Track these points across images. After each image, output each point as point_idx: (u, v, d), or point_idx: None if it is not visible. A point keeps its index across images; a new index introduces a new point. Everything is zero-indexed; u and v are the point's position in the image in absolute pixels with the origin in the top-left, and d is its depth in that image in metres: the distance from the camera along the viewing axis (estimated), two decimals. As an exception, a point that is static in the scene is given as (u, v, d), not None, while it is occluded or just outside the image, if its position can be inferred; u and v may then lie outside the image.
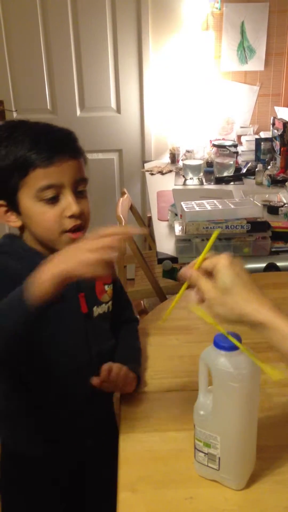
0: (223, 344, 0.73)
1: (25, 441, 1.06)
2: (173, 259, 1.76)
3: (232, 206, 1.79)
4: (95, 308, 1.05)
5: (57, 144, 0.92)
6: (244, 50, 2.98)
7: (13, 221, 0.96)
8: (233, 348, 0.73)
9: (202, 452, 0.79)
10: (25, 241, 0.99)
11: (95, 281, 1.05)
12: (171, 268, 1.75)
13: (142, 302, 2.70)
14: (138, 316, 1.30)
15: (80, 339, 1.03)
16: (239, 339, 0.75)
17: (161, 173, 2.82)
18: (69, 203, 0.92)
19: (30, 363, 0.96)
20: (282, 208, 2.02)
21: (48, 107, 3.10)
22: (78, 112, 3.13)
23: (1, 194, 0.94)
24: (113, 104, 3.12)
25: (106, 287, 1.08)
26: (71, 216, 0.92)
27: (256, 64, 3.02)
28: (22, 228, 0.98)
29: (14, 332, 0.77)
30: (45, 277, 0.74)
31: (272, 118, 2.82)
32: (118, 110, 3.13)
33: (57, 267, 0.75)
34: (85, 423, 1.05)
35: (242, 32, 2.94)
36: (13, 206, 0.94)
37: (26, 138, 0.90)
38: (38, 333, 0.82)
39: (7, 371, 1.00)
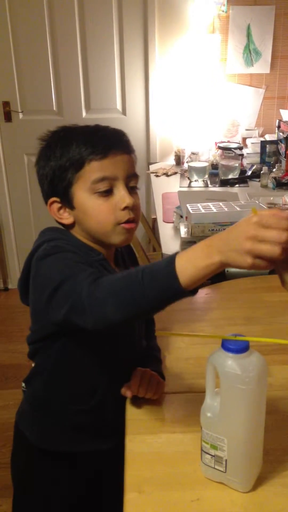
0: (231, 346, 0.74)
1: (52, 433, 1.06)
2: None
3: (238, 209, 1.79)
4: None
5: (111, 139, 0.96)
6: (250, 52, 2.99)
7: (66, 218, 0.99)
8: (241, 350, 0.74)
9: (209, 454, 0.80)
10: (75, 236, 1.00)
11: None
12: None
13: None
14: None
15: (131, 330, 1.06)
16: (247, 342, 0.75)
17: (166, 175, 2.83)
18: (122, 195, 0.94)
19: (93, 350, 0.99)
20: (286, 211, 2.02)
21: (54, 109, 3.11)
22: (84, 114, 3.14)
23: (55, 191, 0.97)
24: (119, 106, 3.13)
25: None
26: (125, 208, 0.95)
27: (262, 66, 3.02)
28: (71, 226, 1.00)
29: (151, 306, 0.76)
30: (204, 266, 0.70)
31: (277, 120, 2.83)
32: (124, 112, 3.14)
33: (219, 257, 0.69)
34: (112, 420, 1.05)
35: (248, 35, 2.94)
36: (67, 202, 0.97)
37: (81, 136, 0.95)
38: None
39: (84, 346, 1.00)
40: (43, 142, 1.00)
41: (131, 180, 0.97)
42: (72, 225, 1.00)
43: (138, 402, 1.01)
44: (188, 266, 0.71)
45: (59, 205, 0.98)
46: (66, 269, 0.85)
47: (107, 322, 0.78)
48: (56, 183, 0.96)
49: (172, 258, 0.73)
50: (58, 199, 0.98)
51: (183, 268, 0.71)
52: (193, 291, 0.73)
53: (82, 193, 0.95)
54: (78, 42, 2.98)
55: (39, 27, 2.93)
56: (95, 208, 0.95)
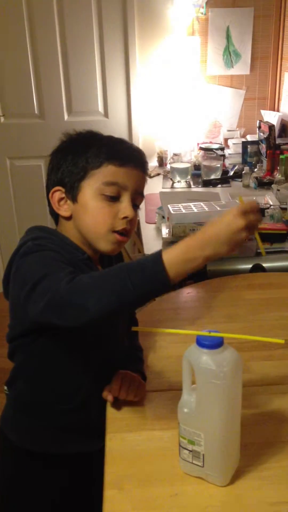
0: (205, 342, 0.75)
1: (39, 434, 1.06)
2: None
3: (218, 208, 1.81)
4: None
5: (134, 153, 1.02)
6: (230, 54, 3.02)
7: (64, 210, 1.01)
8: (215, 346, 0.75)
9: (186, 449, 0.81)
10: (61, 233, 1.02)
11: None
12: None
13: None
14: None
15: (115, 330, 1.07)
16: (221, 338, 0.76)
17: (149, 176, 2.83)
18: (126, 205, 0.98)
19: (74, 346, 0.99)
20: (268, 210, 2.05)
21: (36, 112, 3.11)
22: (66, 117, 3.14)
23: (63, 182, 1.00)
24: (101, 109, 3.14)
25: None
26: (124, 218, 0.97)
27: (242, 68, 3.05)
28: (65, 220, 1.02)
29: (135, 299, 0.77)
30: (195, 262, 0.76)
31: (258, 121, 2.85)
32: (106, 114, 3.15)
33: (211, 251, 0.76)
34: (97, 419, 1.05)
35: (228, 37, 2.97)
36: (71, 194, 0.99)
37: (105, 141, 1.01)
38: None
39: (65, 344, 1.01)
40: (66, 138, 1.05)
41: (137, 198, 1.01)
42: (67, 219, 1.01)
43: (119, 401, 1.01)
44: (174, 259, 0.75)
45: (62, 195, 1.00)
46: (46, 267, 0.86)
47: (87, 316, 0.78)
48: (67, 174, 0.99)
49: (159, 251, 0.77)
50: (62, 189, 1.00)
51: (170, 260, 0.75)
52: (172, 286, 0.76)
53: (90, 190, 0.97)
54: (58, 45, 2.98)
55: (19, 31, 2.92)
56: (97, 209, 0.97)
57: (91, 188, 0.97)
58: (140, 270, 0.76)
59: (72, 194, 0.99)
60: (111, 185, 0.96)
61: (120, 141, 1.03)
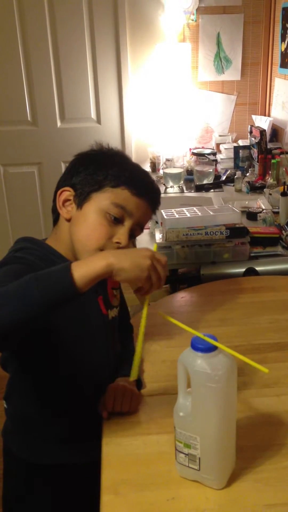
0: (200, 345, 0.75)
1: (39, 447, 1.06)
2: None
3: (211, 213, 1.82)
4: (109, 311, 1.09)
5: (152, 189, 1.06)
6: (221, 60, 3.04)
7: (66, 212, 1.02)
8: (210, 349, 0.75)
9: (182, 453, 0.81)
10: (48, 244, 1.03)
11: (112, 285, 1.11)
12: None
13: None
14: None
15: (102, 339, 1.07)
16: (215, 340, 0.77)
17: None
18: (124, 232, 0.99)
19: (56, 361, 0.99)
20: (260, 214, 2.06)
21: (29, 119, 3.12)
22: (59, 124, 3.15)
23: (78, 185, 1.00)
24: (93, 115, 3.15)
25: (114, 291, 1.12)
26: (117, 243, 0.98)
27: (232, 74, 3.08)
28: (62, 222, 1.03)
29: (42, 305, 0.75)
30: (98, 265, 0.79)
31: (249, 126, 2.88)
32: (99, 120, 3.16)
33: (114, 260, 0.80)
34: (94, 423, 1.05)
35: (218, 43, 3.00)
36: (79, 200, 1.00)
37: (130, 167, 1.04)
38: (66, 331, 0.90)
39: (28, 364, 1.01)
40: (96, 148, 1.07)
41: (136, 229, 1.04)
42: (66, 221, 1.02)
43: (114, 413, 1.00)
44: (80, 263, 0.78)
45: (70, 197, 1.01)
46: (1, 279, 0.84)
47: None
48: (83, 181, 1.00)
49: (68, 262, 0.79)
50: (73, 192, 1.01)
51: (77, 266, 0.77)
52: (80, 293, 0.78)
53: (97, 204, 0.98)
54: (51, 51, 2.99)
55: (10, 37, 2.93)
56: (96, 224, 0.98)
57: (99, 203, 0.98)
58: (47, 275, 0.77)
59: (80, 200, 1.00)
60: (118, 208, 0.98)
61: (144, 174, 1.07)
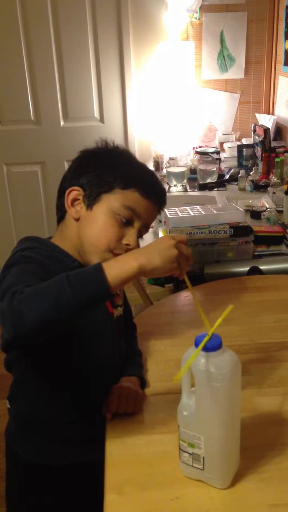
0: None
1: (44, 448, 1.05)
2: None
3: (215, 212, 1.82)
4: (114, 310, 1.10)
5: (160, 191, 1.07)
6: (224, 58, 3.03)
7: (75, 211, 1.02)
8: (214, 348, 0.75)
9: (186, 452, 0.81)
10: (53, 242, 1.03)
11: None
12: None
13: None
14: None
15: (109, 339, 1.07)
16: (219, 340, 0.76)
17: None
18: (133, 234, 1.00)
19: (66, 361, 0.99)
20: (264, 213, 2.06)
21: (32, 118, 3.12)
22: (62, 123, 3.15)
23: (87, 186, 1.00)
24: (97, 114, 3.15)
25: (118, 291, 1.12)
26: (127, 245, 0.99)
27: (236, 72, 3.07)
28: (70, 221, 1.03)
29: (74, 305, 0.75)
30: (130, 267, 0.79)
31: (253, 125, 2.87)
32: (102, 119, 3.16)
33: (144, 261, 0.81)
34: (98, 423, 1.04)
35: (222, 41, 2.99)
36: (89, 200, 1.00)
37: (139, 168, 1.06)
38: (76, 331, 0.90)
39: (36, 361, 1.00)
40: (101, 146, 1.06)
41: (143, 230, 1.04)
42: (74, 221, 1.02)
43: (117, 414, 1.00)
44: (114, 267, 0.78)
45: (79, 197, 1.01)
46: (16, 279, 0.84)
47: (23, 324, 0.75)
48: (92, 181, 1.00)
49: (99, 262, 0.79)
50: (82, 192, 1.01)
51: (109, 267, 0.78)
52: (112, 294, 0.79)
53: (107, 205, 0.99)
54: (54, 51, 2.99)
55: (14, 36, 2.93)
56: (106, 225, 0.98)
57: (110, 204, 0.99)
58: (79, 276, 0.77)
59: (90, 201, 1.00)
60: (129, 210, 0.99)
61: (152, 174, 1.08)
